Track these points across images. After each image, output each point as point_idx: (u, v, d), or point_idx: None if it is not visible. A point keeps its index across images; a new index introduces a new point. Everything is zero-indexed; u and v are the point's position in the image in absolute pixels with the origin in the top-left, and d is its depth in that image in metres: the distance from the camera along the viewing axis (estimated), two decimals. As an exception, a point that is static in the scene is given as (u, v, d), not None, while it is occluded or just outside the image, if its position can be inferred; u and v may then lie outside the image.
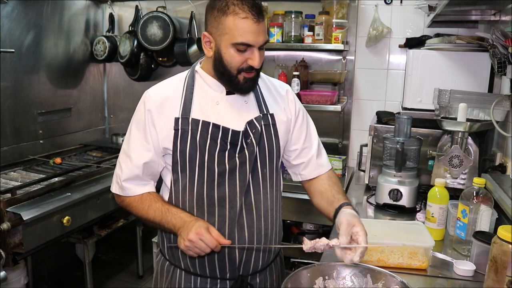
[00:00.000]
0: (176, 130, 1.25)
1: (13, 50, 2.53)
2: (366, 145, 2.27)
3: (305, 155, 1.43)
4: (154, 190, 1.34)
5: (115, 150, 3.01)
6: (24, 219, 1.98)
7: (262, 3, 2.74)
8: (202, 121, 1.26)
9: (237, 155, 1.27)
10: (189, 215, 1.24)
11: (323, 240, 1.17)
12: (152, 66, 3.34)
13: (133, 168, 1.29)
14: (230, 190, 1.27)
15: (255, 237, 1.31)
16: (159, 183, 1.38)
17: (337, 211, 1.27)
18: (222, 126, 1.26)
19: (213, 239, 1.15)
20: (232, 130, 1.27)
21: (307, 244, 1.18)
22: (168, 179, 1.33)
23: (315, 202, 1.42)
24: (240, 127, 1.28)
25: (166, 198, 1.33)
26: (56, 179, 2.37)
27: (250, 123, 1.29)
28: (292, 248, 2.66)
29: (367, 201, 2.13)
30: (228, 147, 1.27)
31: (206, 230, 1.16)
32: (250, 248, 1.31)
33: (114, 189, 1.35)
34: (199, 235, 1.14)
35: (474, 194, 1.49)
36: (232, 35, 1.16)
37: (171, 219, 1.24)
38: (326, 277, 1.24)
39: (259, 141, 1.30)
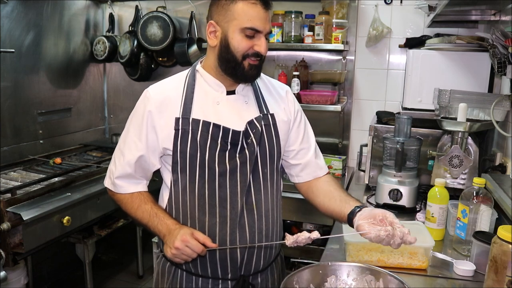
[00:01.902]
0: (176, 130, 1.26)
1: (13, 50, 2.53)
2: (366, 145, 2.27)
3: (303, 157, 1.42)
4: (146, 189, 1.36)
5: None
6: (24, 219, 1.97)
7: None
8: (203, 121, 1.26)
9: (237, 155, 1.28)
10: (175, 223, 1.25)
11: (304, 234, 1.18)
12: (152, 66, 3.34)
13: (125, 166, 1.30)
14: (231, 191, 1.27)
15: (256, 237, 1.31)
16: (159, 183, 1.39)
17: (357, 207, 1.24)
18: (223, 126, 1.26)
19: (199, 244, 1.17)
20: (233, 130, 1.27)
21: (290, 239, 1.19)
22: (168, 179, 1.33)
23: (321, 202, 1.37)
24: (240, 127, 1.28)
25: (166, 198, 1.33)
26: (56, 179, 2.37)
27: (250, 123, 1.29)
28: (292, 248, 2.67)
29: (367, 201, 2.13)
30: (229, 147, 1.27)
31: (191, 236, 1.17)
32: (250, 247, 1.31)
33: (107, 183, 1.37)
34: (184, 242, 1.16)
35: (474, 194, 1.49)
36: (241, 20, 1.19)
37: (157, 225, 1.25)
38: (334, 276, 1.23)
39: (259, 141, 1.30)
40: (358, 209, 1.23)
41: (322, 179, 1.44)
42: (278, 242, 1.34)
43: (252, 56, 1.22)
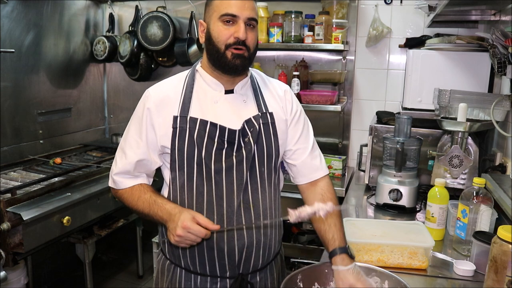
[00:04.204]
0: (174, 128, 1.27)
1: (13, 50, 2.53)
2: (366, 145, 2.27)
3: (298, 157, 1.40)
4: (146, 182, 1.36)
5: (115, 150, 2.99)
6: (24, 219, 1.97)
7: (262, 3, 2.76)
8: (200, 119, 1.27)
9: (234, 153, 1.28)
10: (175, 207, 1.23)
11: (307, 209, 1.18)
12: (152, 66, 3.34)
13: (126, 164, 1.32)
14: (227, 188, 1.28)
15: (254, 235, 1.31)
16: (160, 182, 1.39)
17: (330, 259, 1.26)
18: (219, 125, 1.27)
19: (201, 228, 1.15)
20: (229, 129, 1.27)
21: (292, 216, 1.18)
22: (167, 177, 1.34)
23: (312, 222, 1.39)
24: (237, 126, 1.29)
25: (166, 195, 1.34)
26: (56, 179, 2.37)
27: (248, 121, 1.30)
28: (292, 248, 2.68)
29: (367, 201, 2.13)
30: (226, 145, 1.27)
31: (192, 222, 1.15)
32: (249, 243, 1.31)
33: (109, 182, 1.38)
34: (186, 228, 1.15)
35: (474, 194, 1.49)
36: (218, 10, 1.23)
37: (158, 211, 1.25)
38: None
39: (257, 140, 1.30)
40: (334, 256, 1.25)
41: (314, 194, 1.40)
42: (281, 218, 1.34)
43: (234, 44, 1.23)
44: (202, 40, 1.30)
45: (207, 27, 1.27)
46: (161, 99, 1.29)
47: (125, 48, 3.17)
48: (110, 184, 1.38)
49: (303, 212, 1.17)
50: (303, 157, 1.41)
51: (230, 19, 1.22)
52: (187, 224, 1.15)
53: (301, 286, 1.19)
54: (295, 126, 1.40)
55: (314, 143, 1.44)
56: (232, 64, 1.25)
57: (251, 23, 1.24)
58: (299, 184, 1.44)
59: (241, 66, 1.27)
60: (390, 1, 2.75)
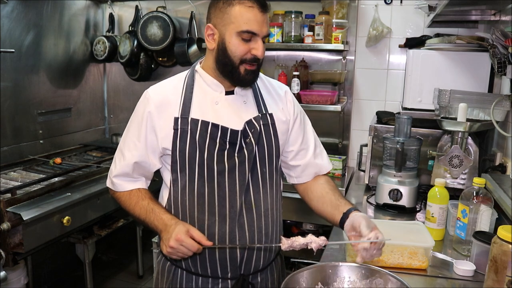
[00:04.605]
0: (175, 129, 1.26)
1: (13, 50, 2.53)
2: (366, 145, 2.27)
3: (302, 158, 1.42)
4: (144, 186, 1.37)
5: (115, 150, 3.00)
6: (24, 219, 1.97)
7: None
8: (201, 120, 1.26)
9: (236, 154, 1.28)
10: (171, 218, 1.24)
11: (300, 240, 1.20)
12: (152, 66, 3.34)
13: (124, 166, 1.32)
14: (230, 189, 1.28)
15: (255, 236, 1.31)
16: (160, 183, 1.39)
17: (345, 214, 1.27)
18: (221, 126, 1.27)
19: (194, 243, 1.17)
20: (231, 130, 1.27)
21: (285, 244, 1.21)
22: (167, 178, 1.33)
23: (315, 206, 1.40)
24: (239, 126, 1.29)
25: (166, 197, 1.34)
26: (56, 179, 2.37)
27: (249, 122, 1.30)
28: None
29: (367, 201, 2.13)
30: (227, 146, 1.27)
31: (185, 235, 1.16)
32: (248, 247, 1.31)
33: (107, 183, 1.39)
34: (179, 241, 1.16)
35: (474, 194, 1.49)
36: (238, 24, 1.19)
37: (153, 220, 1.26)
38: (343, 277, 1.23)
39: (258, 141, 1.30)
40: (346, 217, 1.27)
41: (317, 181, 1.44)
42: (274, 245, 1.36)
43: (249, 61, 1.22)
44: (211, 46, 1.25)
45: (220, 36, 1.22)
46: (161, 100, 1.28)
47: (125, 48, 3.17)
48: (108, 184, 1.38)
49: (296, 242, 1.20)
50: (307, 157, 1.42)
51: (250, 37, 1.20)
52: (180, 236, 1.16)
53: (304, 285, 1.19)
54: (298, 128, 1.42)
55: (316, 140, 1.47)
56: (245, 80, 1.25)
57: (265, 39, 1.25)
58: (301, 183, 1.45)
59: (253, 80, 1.29)
60: (390, 1, 2.75)
